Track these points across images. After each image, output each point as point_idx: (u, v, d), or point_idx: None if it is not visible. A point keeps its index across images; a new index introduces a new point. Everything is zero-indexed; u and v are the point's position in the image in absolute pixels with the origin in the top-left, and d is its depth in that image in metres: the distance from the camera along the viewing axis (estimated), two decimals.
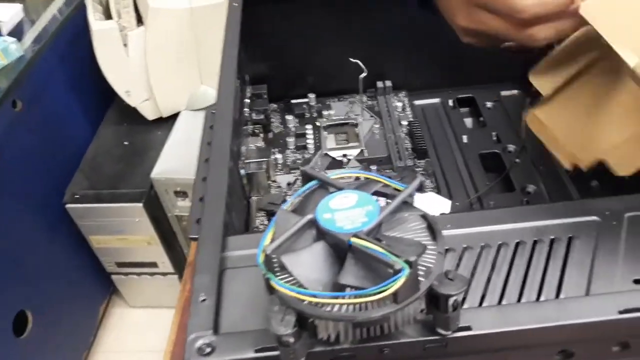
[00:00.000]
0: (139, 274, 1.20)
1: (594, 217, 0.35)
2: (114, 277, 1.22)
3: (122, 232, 1.09)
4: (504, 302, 0.32)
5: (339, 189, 0.31)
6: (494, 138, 0.60)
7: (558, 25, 0.37)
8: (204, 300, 0.32)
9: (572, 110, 0.41)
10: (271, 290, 0.28)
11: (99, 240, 1.12)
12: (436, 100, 0.65)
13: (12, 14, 0.90)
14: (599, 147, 0.39)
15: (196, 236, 0.35)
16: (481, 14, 0.39)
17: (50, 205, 1.04)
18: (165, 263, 1.16)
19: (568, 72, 0.41)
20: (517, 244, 0.34)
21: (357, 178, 0.33)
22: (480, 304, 0.32)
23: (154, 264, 1.17)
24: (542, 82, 0.42)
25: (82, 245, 1.12)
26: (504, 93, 0.65)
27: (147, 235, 1.10)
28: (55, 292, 1.07)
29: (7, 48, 0.84)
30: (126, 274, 1.21)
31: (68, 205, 1.05)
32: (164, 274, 1.19)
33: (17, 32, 0.90)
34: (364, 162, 0.58)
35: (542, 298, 0.31)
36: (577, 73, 0.41)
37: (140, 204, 1.03)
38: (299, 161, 0.60)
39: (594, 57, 0.40)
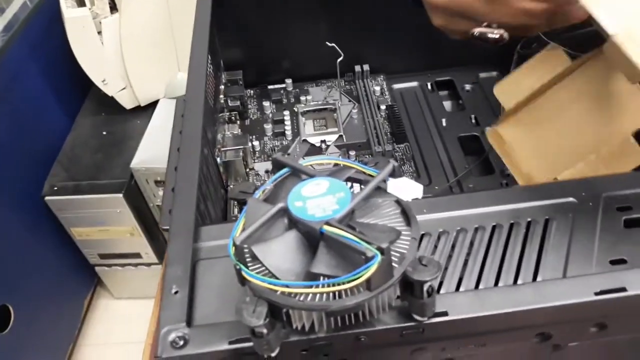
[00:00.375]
0: (122, 265, 1.19)
1: (570, 198, 0.35)
2: (97, 268, 1.20)
3: (103, 223, 1.08)
4: (481, 286, 0.31)
5: (311, 176, 0.30)
6: (473, 121, 0.60)
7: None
8: (176, 292, 0.31)
9: (531, 129, 0.41)
10: (243, 281, 0.27)
11: (80, 232, 1.10)
12: (414, 83, 0.65)
13: None
14: (554, 167, 0.39)
15: (167, 227, 0.34)
16: None
17: (29, 198, 1.02)
18: (149, 254, 1.15)
19: (531, 88, 0.41)
20: (494, 227, 0.34)
21: (337, 164, 0.33)
22: (457, 288, 0.32)
23: (137, 255, 1.16)
24: (505, 97, 0.42)
25: (64, 237, 1.11)
26: (482, 75, 0.65)
27: (129, 226, 1.08)
28: (37, 285, 1.06)
29: None
30: (110, 265, 1.19)
31: (47, 198, 1.03)
32: (148, 265, 1.18)
33: None
34: (343, 148, 0.58)
35: (519, 281, 0.31)
36: (539, 90, 0.40)
37: (121, 195, 1.01)
38: (277, 148, 0.59)
39: (558, 75, 0.39)
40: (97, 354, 1.23)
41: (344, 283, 0.25)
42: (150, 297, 1.26)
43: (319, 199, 0.28)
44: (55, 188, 1.03)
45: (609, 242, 0.32)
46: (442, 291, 0.31)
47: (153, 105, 1.11)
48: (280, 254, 0.27)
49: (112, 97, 1.09)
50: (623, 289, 0.28)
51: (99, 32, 0.99)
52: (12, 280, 0.99)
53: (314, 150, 0.58)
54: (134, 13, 0.98)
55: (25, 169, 1.02)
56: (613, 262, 0.32)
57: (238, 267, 0.27)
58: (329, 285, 0.26)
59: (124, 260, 1.18)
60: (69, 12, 0.96)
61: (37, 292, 1.06)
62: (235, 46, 0.62)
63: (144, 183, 1.04)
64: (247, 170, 0.56)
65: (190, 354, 0.28)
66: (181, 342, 0.29)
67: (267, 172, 0.56)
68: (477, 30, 0.38)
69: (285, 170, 0.32)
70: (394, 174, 0.29)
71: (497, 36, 0.37)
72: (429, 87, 0.65)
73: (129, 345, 1.23)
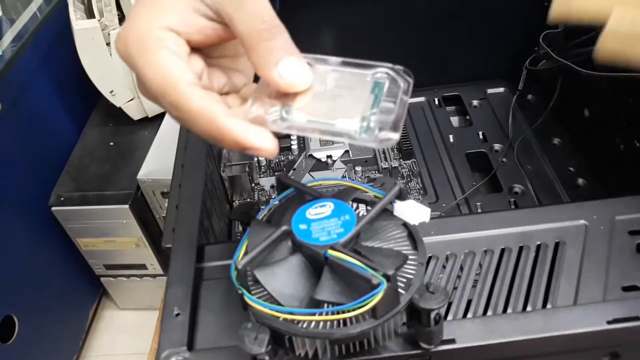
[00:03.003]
0: (128, 276, 1.19)
1: (582, 221, 0.34)
2: (103, 279, 1.20)
3: (109, 234, 1.08)
4: (489, 312, 0.30)
5: (316, 197, 0.30)
6: (481, 137, 0.59)
7: None
8: (177, 314, 0.31)
9: None
10: (245, 306, 0.27)
11: (86, 242, 1.10)
12: (421, 99, 0.64)
13: None
14: None
15: (170, 245, 0.34)
16: None
17: (36, 208, 1.02)
18: (154, 265, 1.15)
19: None
20: (503, 250, 0.33)
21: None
22: (465, 314, 0.31)
23: (142, 266, 1.15)
24: None
25: (70, 248, 1.11)
26: (490, 91, 0.64)
27: (135, 237, 1.08)
28: (42, 295, 1.06)
29: None
30: (115, 276, 1.19)
31: (54, 208, 1.03)
32: (154, 276, 1.17)
33: None
34: (349, 163, 0.57)
35: (528, 307, 0.30)
36: None
37: (127, 206, 1.01)
38: (283, 163, 0.58)
39: None
40: None
41: (348, 311, 0.24)
42: (156, 308, 1.26)
43: (324, 222, 0.27)
44: (62, 198, 1.03)
45: (620, 268, 0.32)
46: (449, 316, 0.31)
47: (160, 116, 1.11)
48: (284, 278, 0.27)
49: (119, 108, 1.09)
50: (636, 318, 0.27)
51: (108, 44, 1.00)
52: (18, 290, 0.98)
53: (320, 166, 0.58)
54: None
55: (33, 179, 1.03)
56: (625, 289, 0.31)
57: (240, 291, 0.26)
58: (333, 313, 0.25)
59: (130, 271, 1.17)
60: (78, 24, 0.96)
61: (42, 303, 1.06)
62: None
63: (150, 194, 1.03)
64: (253, 185, 0.55)
65: None
66: None
67: (272, 187, 0.56)
68: None
69: (289, 190, 0.31)
70: (400, 196, 0.29)
71: None
72: (436, 102, 0.64)
73: (133, 356, 1.23)
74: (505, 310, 0.31)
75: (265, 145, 0.24)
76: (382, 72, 0.26)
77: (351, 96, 0.26)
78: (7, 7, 0.95)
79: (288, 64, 0.25)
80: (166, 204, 1.07)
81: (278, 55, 0.25)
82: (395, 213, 0.28)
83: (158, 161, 1.02)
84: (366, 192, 0.30)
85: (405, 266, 0.27)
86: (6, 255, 0.95)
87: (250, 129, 0.24)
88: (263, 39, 0.25)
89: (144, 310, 1.27)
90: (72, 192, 1.04)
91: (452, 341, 0.28)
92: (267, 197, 0.55)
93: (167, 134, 1.07)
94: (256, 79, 0.28)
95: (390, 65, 0.26)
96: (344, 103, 0.25)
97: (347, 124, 0.24)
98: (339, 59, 0.27)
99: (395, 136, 0.24)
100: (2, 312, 0.94)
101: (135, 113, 1.11)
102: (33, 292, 1.02)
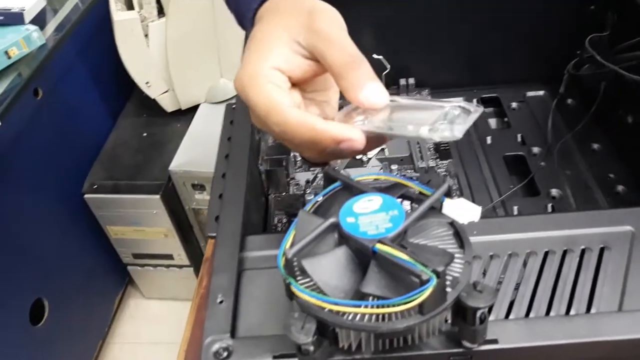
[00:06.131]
0: (154, 266, 1.21)
1: (628, 227, 0.34)
2: (130, 268, 1.22)
3: (139, 223, 1.10)
4: (532, 314, 0.30)
5: (363, 191, 0.30)
6: (519, 140, 0.59)
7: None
8: (221, 302, 0.31)
9: None
10: (291, 295, 0.27)
11: (116, 231, 1.12)
12: (459, 99, 0.64)
13: (35, 2, 0.89)
14: None
15: (214, 234, 0.35)
16: None
17: (69, 195, 1.05)
18: (181, 255, 1.16)
19: None
20: (546, 253, 0.33)
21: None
22: (507, 315, 0.31)
23: (169, 256, 1.17)
24: None
25: (100, 235, 1.13)
26: (529, 94, 0.63)
27: (164, 228, 1.10)
28: (71, 281, 1.08)
29: (30, 36, 0.83)
30: (142, 265, 1.21)
31: (86, 196, 1.05)
32: (180, 267, 1.19)
33: (39, 21, 0.91)
34: (385, 161, 0.57)
35: (572, 312, 0.30)
36: None
37: (158, 196, 1.03)
38: None
39: None
40: (125, 352, 1.25)
41: (395, 305, 0.25)
42: (180, 298, 1.28)
43: (372, 216, 0.28)
44: (95, 186, 1.05)
45: None
46: (491, 317, 0.31)
47: (193, 109, 1.12)
48: (330, 269, 0.27)
49: (154, 100, 1.11)
50: None
51: (146, 35, 1.01)
52: (48, 275, 1.01)
53: (355, 163, 0.58)
54: (181, 18, 1.00)
55: (67, 166, 1.05)
56: None
57: (287, 281, 0.26)
58: (379, 307, 0.25)
59: (157, 260, 1.19)
60: (119, 15, 0.98)
61: (70, 288, 1.08)
62: None
63: (181, 186, 1.05)
64: (288, 180, 0.56)
65: None
66: (225, 354, 0.29)
67: (307, 182, 0.56)
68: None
69: (336, 184, 0.31)
70: (449, 194, 0.29)
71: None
72: (474, 103, 0.63)
73: (156, 345, 1.24)
74: (548, 313, 0.30)
75: (355, 136, 0.29)
76: (456, 105, 0.30)
77: (424, 113, 0.30)
78: None
79: (371, 88, 0.30)
80: (197, 196, 1.08)
81: (363, 81, 0.30)
82: (445, 211, 0.28)
83: (190, 153, 1.03)
84: (413, 188, 0.30)
85: (452, 265, 0.27)
86: (39, 240, 0.98)
87: (342, 126, 0.30)
88: (350, 69, 0.30)
89: (169, 300, 1.29)
90: (104, 181, 1.06)
91: (495, 341, 0.28)
92: (302, 192, 0.55)
93: (200, 127, 1.08)
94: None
95: (462, 100, 0.30)
96: (416, 116, 0.30)
97: (417, 129, 0.28)
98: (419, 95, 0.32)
99: (458, 134, 0.28)
100: (34, 295, 0.96)
101: (169, 105, 1.13)
102: (63, 276, 1.05)
